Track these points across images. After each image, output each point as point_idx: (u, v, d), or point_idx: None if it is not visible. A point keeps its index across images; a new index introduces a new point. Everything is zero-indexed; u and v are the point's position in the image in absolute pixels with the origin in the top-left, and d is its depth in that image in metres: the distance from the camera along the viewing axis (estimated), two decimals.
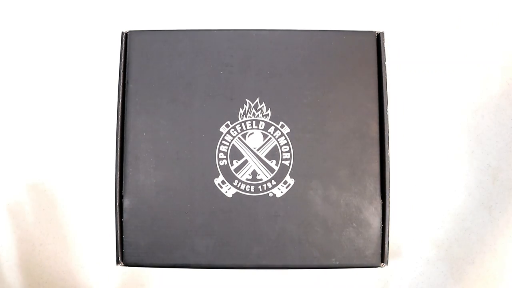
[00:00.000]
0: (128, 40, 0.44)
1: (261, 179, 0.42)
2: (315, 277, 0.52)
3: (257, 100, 0.43)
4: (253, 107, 0.43)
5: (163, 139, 0.43)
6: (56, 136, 0.53)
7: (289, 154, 0.42)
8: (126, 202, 0.42)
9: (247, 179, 0.42)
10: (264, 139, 0.43)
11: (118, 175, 0.42)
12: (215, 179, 0.42)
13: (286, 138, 0.43)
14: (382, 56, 0.43)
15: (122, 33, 0.44)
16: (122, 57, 0.43)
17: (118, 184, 0.42)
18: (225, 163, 0.42)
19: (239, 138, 0.43)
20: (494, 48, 0.54)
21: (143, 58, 0.43)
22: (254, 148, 0.43)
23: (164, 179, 0.42)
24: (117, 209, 0.42)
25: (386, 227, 0.42)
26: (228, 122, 0.43)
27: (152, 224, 0.42)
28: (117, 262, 0.42)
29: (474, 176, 0.52)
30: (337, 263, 0.42)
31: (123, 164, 0.42)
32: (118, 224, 0.42)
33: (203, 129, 0.43)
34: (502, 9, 0.54)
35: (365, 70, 0.43)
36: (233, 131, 0.43)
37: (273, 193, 0.42)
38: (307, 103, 0.43)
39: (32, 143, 0.53)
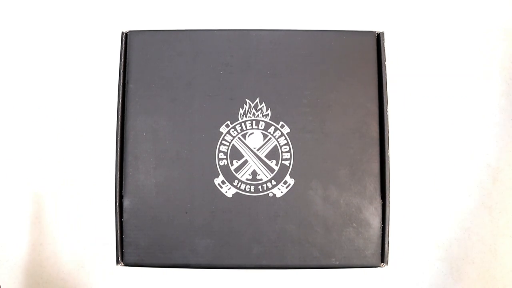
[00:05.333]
0: (128, 40, 0.44)
1: (261, 179, 0.42)
2: (315, 277, 0.52)
3: (257, 100, 0.43)
4: (253, 107, 0.43)
5: (163, 139, 0.42)
6: (56, 136, 0.53)
7: (289, 154, 0.42)
8: (126, 202, 0.42)
9: (247, 179, 0.42)
10: (264, 139, 0.43)
11: (118, 175, 0.42)
12: (215, 179, 0.42)
13: (286, 138, 0.43)
14: (382, 56, 0.43)
15: (122, 33, 0.44)
16: (122, 57, 0.43)
17: (118, 184, 0.42)
18: (225, 163, 0.42)
19: (239, 138, 0.43)
20: (494, 48, 0.54)
21: (143, 58, 0.43)
22: (254, 148, 0.43)
23: (164, 179, 0.42)
24: (117, 209, 0.42)
25: (386, 227, 0.42)
26: (228, 122, 0.43)
27: (152, 224, 0.42)
28: (117, 262, 0.42)
29: (474, 176, 0.52)
30: (337, 263, 0.42)
31: (123, 164, 0.42)
32: (118, 224, 0.42)
33: (203, 129, 0.43)
34: (502, 9, 0.54)
35: (365, 70, 0.43)
36: (233, 131, 0.43)
37: (273, 193, 0.42)
38: (307, 103, 0.43)
39: (32, 143, 0.53)
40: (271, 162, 0.42)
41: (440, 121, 0.53)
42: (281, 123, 0.43)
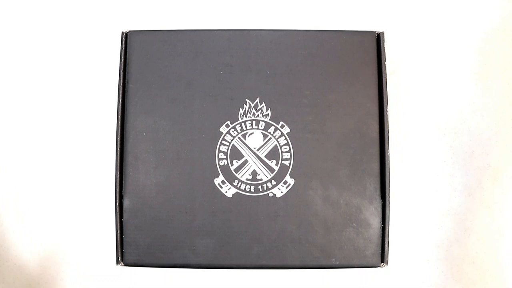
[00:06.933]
0: (128, 40, 0.44)
1: (261, 179, 0.42)
2: (315, 277, 0.52)
3: (257, 100, 0.43)
4: (253, 107, 0.43)
5: (163, 139, 0.42)
6: (56, 136, 0.53)
7: (289, 154, 0.42)
8: (126, 202, 0.42)
9: (247, 179, 0.42)
10: (264, 139, 0.43)
11: (118, 175, 0.42)
12: (215, 179, 0.42)
13: (286, 138, 0.43)
14: (382, 56, 0.43)
15: (122, 33, 0.44)
16: (122, 57, 0.43)
17: (118, 184, 0.42)
18: (225, 163, 0.42)
19: (239, 138, 0.43)
20: (494, 48, 0.54)
21: (143, 58, 0.43)
22: (254, 148, 0.43)
23: (164, 179, 0.42)
24: (117, 209, 0.42)
25: (386, 227, 0.42)
26: (228, 122, 0.43)
27: (152, 224, 0.42)
28: (117, 262, 0.42)
29: (474, 176, 0.52)
30: (337, 263, 0.42)
31: (123, 164, 0.42)
32: (118, 224, 0.42)
33: (203, 129, 0.43)
34: (502, 9, 0.54)
35: (365, 70, 0.43)
36: (233, 131, 0.43)
37: (273, 193, 0.42)
38: (307, 103, 0.43)
39: (32, 143, 0.53)
40: (271, 162, 0.42)
41: (440, 121, 0.53)
42: (281, 123, 0.43)
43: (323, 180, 0.42)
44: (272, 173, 0.42)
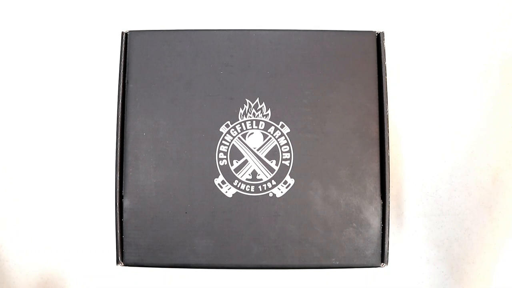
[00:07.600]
0: (128, 40, 0.44)
1: (261, 179, 0.42)
2: (315, 277, 0.52)
3: (257, 100, 0.43)
4: (253, 107, 0.43)
5: (163, 139, 0.43)
6: (56, 136, 0.53)
7: (289, 154, 0.42)
8: (126, 202, 0.42)
9: (247, 179, 0.42)
10: (264, 139, 0.43)
11: (118, 175, 0.42)
12: (215, 179, 0.42)
13: (286, 138, 0.43)
14: (382, 56, 0.43)
15: (122, 33, 0.44)
16: (122, 57, 0.43)
17: (118, 184, 0.42)
18: (225, 163, 0.42)
19: (239, 138, 0.43)
20: (494, 48, 0.54)
21: (143, 58, 0.43)
22: (254, 148, 0.43)
23: (164, 179, 0.42)
24: (117, 209, 0.42)
25: (386, 227, 0.42)
26: (228, 122, 0.43)
27: (152, 224, 0.42)
28: (117, 262, 0.42)
29: (474, 176, 0.52)
30: (337, 263, 0.42)
31: (123, 164, 0.42)
32: (118, 224, 0.42)
33: (203, 129, 0.43)
34: (502, 9, 0.54)
35: (365, 70, 0.43)
36: (233, 131, 0.43)
37: (273, 193, 0.42)
38: (307, 103, 0.43)
39: (32, 143, 0.53)
40: (271, 162, 0.42)
41: (440, 121, 0.53)
42: (281, 123, 0.43)
43: (323, 180, 0.42)
44: (272, 173, 0.42)
